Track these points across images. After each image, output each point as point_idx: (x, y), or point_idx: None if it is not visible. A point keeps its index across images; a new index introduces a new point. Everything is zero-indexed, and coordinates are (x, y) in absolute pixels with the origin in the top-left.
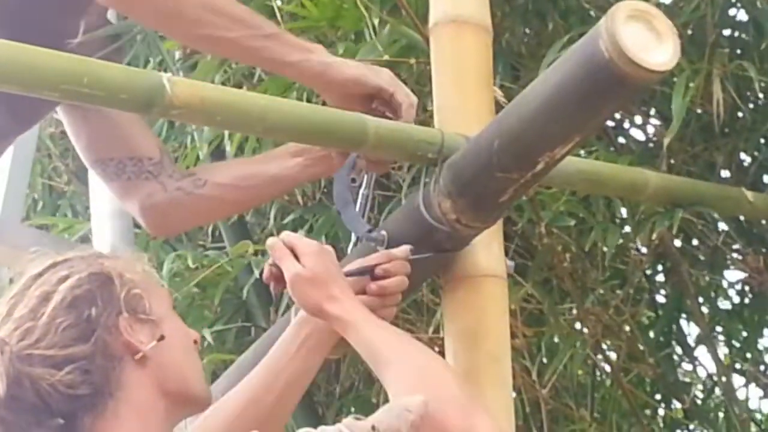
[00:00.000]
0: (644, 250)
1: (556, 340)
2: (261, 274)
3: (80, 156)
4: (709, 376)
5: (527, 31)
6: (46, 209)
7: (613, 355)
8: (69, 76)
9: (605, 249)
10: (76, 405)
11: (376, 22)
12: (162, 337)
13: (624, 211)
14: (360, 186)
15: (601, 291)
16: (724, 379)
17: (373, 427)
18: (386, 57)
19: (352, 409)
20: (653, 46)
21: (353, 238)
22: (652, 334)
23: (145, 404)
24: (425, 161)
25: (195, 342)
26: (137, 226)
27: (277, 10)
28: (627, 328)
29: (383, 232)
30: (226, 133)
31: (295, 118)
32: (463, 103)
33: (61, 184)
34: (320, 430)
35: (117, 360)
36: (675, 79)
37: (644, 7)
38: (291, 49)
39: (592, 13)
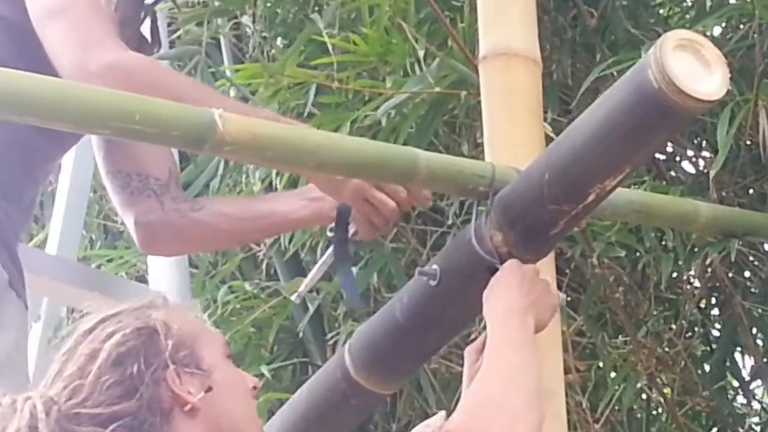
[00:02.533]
0: (697, 283)
1: (612, 375)
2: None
3: (99, 165)
4: (764, 408)
5: (576, 64)
6: (103, 249)
7: (668, 389)
8: (121, 113)
9: (655, 278)
10: None
11: (421, 54)
12: (210, 388)
13: (675, 242)
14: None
15: (654, 324)
16: None
17: None
18: (437, 89)
19: None
20: (702, 75)
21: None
22: (706, 367)
23: None
24: (476, 194)
25: (254, 388)
26: (193, 265)
27: (329, 45)
28: (681, 362)
29: (435, 267)
30: (273, 170)
31: (346, 153)
32: (514, 136)
33: (117, 224)
34: None
35: (165, 413)
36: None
37: (693, 36)
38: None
39: (640, 40)
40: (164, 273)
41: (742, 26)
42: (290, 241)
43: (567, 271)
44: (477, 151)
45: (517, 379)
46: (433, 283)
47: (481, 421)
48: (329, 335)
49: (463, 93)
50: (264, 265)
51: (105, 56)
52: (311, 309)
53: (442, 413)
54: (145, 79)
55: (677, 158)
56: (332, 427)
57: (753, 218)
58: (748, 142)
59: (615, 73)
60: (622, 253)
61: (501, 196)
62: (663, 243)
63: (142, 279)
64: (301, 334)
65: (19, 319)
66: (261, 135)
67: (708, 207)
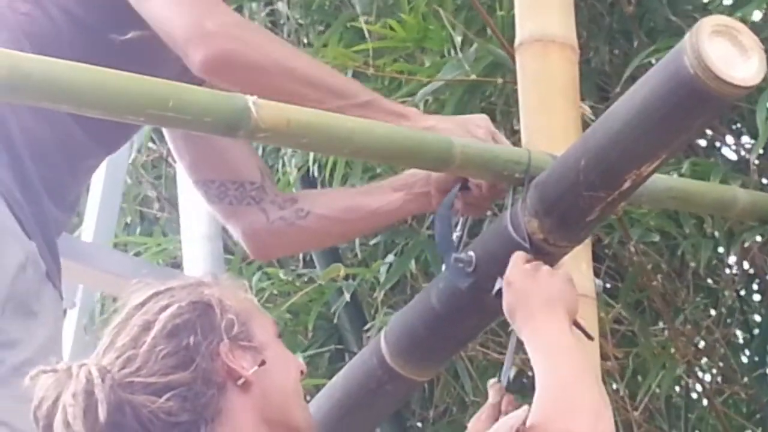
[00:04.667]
0: (736, 269)
1: (650, 362)
2: (351, 297)
3: (185, 174)
4: None
5: (613, 51)
6: (140, 237)
7: (707, 377)
8: (154, 101)
9: (694, 265)
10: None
11: (458, 41)
12: (263, 362)
13: (715, 228)
14: (456, 226)
15: (693, 311)
16: None
17: None
18: (473, 76)
19: None
20: (738, 61)
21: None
22: (746, 354)
23: (247, 430)
24: (512, 181)
25: (302, 372)
26: (229, 251)
27: (365, 31)
28: (720, 349)
29: (471, 253)
30: (311, 157)
31: (381, 140)
32: (550, 122)
33: (154, 211)
34: None
35: (219, 386)
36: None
37: (729, 22)
38: (385, 117)
39: (679, 26)
40: (199, 259)
41: None
42: None
43: (605, 258)
44: (514, 138)
45: (583, 375)
46: (469, 269)
47: (566, 416)
48: (367, 322)
49: (500, 80)
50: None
51: (223, 16)
52: (347, 296)
53: (526, 407)
54: (262, 41)
55: (717, 144)
56: (368, 413)
57: None
58: None
59: (653, 62)
60: (657, 238)
61: (537, 183)
62: (702, 229)
63: (178, 265)
64: (336, 321)
65: (55, 310)
66: (295, 121)
67: (746, 193)
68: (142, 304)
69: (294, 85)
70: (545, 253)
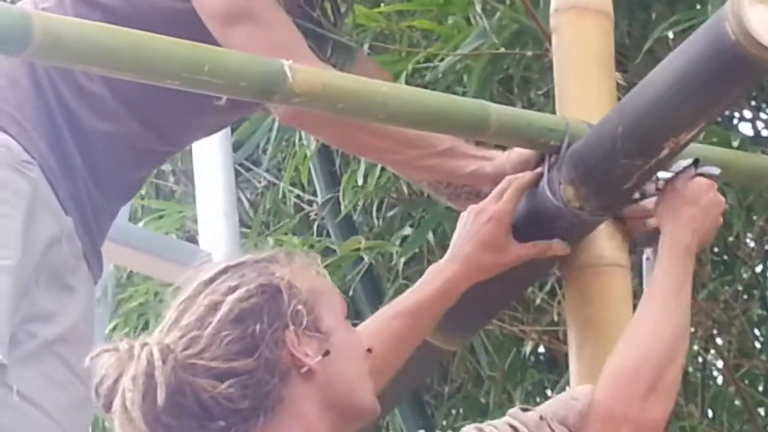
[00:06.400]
0: (754, 245)
1: None
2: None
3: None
4: None
5: (632, 23)
6: (155, 209)
7: (725, 353)
8: (189, 64)
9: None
10: (236, 418)
11: (479, 9)
12: (328, 352)
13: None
14: None
15: (713, 287)
16: None
17: (541, 417)
18: (502, 49)
19: (461, 410)
20: None
21: None
22: (762, 331)
23: (310, 417)
24: (548, 148)
25: (368, 351)
26: (246, 225)
27: None
28: (738, 324)
29: None
30: None
31: (417, 105)
32: (585, 90)
33: (170, 183)
34: (488, 424)
35: (281, 375)
36: None
37: None
38: (466, 162)
39: None
40: (215, 233)
41: None
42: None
43: None
44: (533, 109)
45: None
46: None
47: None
48: (382, 296)
49: (530, 53)
50: (315, 226)
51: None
52: (367, 261)
53: (589, 387)
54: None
55: (734, 120)
56: (396, 382)
57: None
58: None
59: (671, 35)
60: None
61: (573, 151)
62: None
63: (193, 239)
64: (351, 293)
65: (87, 291)
66: (331, 86)
67: None
68: (211, 280)
69: (367, 137)
70: (581, 221)
